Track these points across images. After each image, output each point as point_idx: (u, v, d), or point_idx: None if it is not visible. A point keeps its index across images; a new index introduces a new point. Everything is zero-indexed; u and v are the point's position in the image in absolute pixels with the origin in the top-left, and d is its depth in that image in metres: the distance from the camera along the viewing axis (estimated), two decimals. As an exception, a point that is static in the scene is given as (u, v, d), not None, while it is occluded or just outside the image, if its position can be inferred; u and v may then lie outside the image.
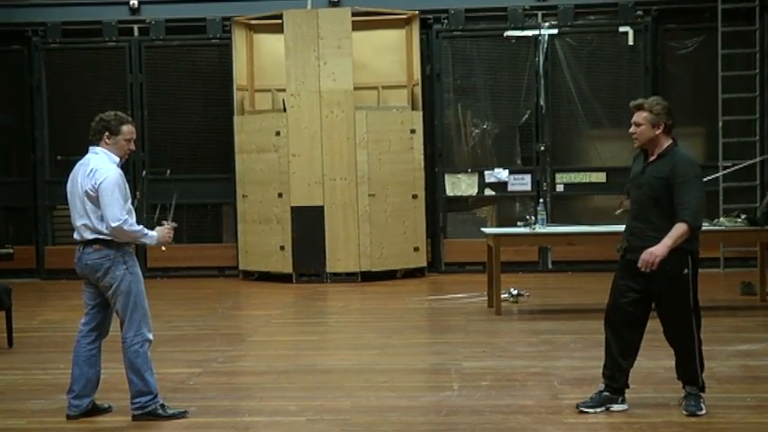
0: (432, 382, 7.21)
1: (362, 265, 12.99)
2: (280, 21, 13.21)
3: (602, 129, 14.02)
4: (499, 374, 7.31)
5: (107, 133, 6.26)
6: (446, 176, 14.02)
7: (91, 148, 6.32)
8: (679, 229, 5.77)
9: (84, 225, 6.16)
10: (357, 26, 13.26)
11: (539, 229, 10.25)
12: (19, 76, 14.56)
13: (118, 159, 6.28)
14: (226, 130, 13.86)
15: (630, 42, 13.70)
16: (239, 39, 13.89)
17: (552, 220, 12.30)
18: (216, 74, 14.26)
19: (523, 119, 13.94)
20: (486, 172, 13.94)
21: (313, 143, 12.94)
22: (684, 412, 6.05)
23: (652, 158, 6.01)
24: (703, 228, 10.11)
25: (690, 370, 6.09)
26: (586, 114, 13.85)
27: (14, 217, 14.34)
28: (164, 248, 6.54)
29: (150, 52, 14.35)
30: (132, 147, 6.40)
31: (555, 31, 13.81)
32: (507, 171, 13.91)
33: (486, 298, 10.72)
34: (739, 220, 10.21)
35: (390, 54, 14.06)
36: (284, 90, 13.22)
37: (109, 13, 14.33)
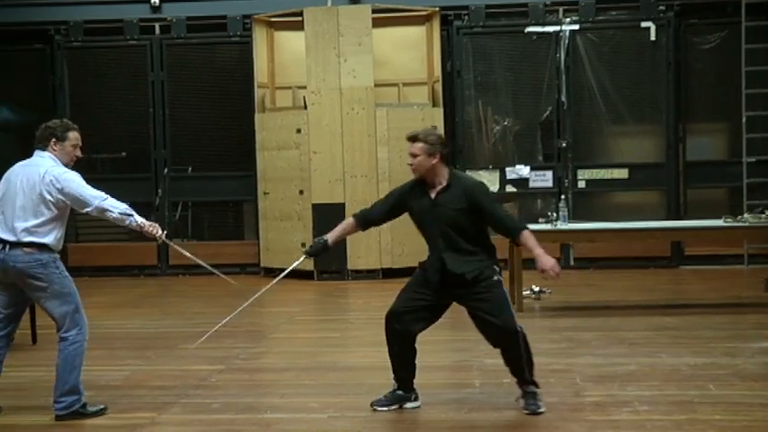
0: (453, 379, 7.20)
1: (383, 263, 12.98)
2: (300, 18, 13.22)
3: (624, 125, 13.96)
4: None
5: (53, 140, 6.27)
6: (467, 173, 13.97)
7: (37, 152, 6.29)
8: (529, 238, 6.09)
9: (25, 227, 6.07)
10: (377, 23, 13.25)
11: (560, 225, 10.22)
12: (41, 75, 14.65)
13: (62, 165, 6.26)
14: (247, 127, 13.88)
15: (653, 38, 13.63)
16: (260, 36, 13.91)
17: (574, 216, 12.26)
18: (237, 71, 14.28)
19: (545, 115, 13.89)
20: (507, 169, 13.91)
21: (334, 140, 12.94)
22: (525, 411, 6.08)
23: (438, 189, 6.09)
24: (728, 224, 10.12)
25: (517, 365, 6.13)
26: (608, 110, 13.78)
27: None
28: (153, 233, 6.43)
29: (171, 50, 14.39)
30: (78, 153, 6.40)
31: (576, 27, 13.76)
32: (528, 168, 13.87)
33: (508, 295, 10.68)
34: (763, 216, 10.13)
35: (411, 51, 14.04)
36: (305, 87, 13.23)
37: (130, 12, 14.38)
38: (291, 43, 13.94)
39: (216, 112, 14.35)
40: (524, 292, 10.44)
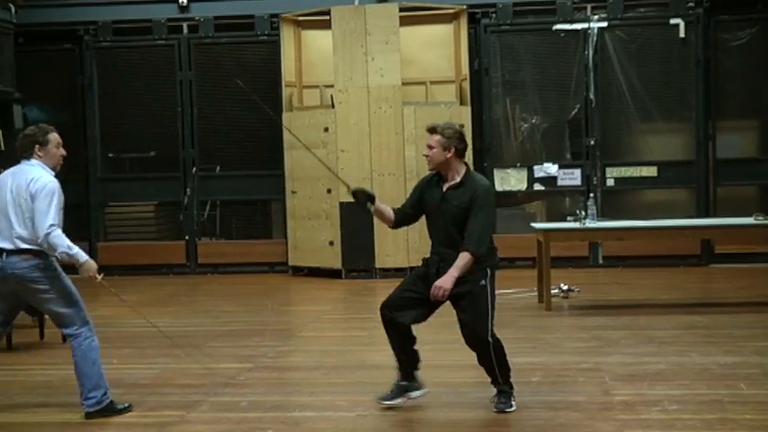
0: (481, 377, 7.15)
1: (411, 261, 12.96)
2: (327, 17, 13.24)
3: (653, 122, 13.88)
4: (549, 370, 7.27)
5: (37, 146, 6.31)
6: (495, 171, 13.95)
7: (24, 161, 6.32)
8: (463, 258, 5.93)
9: (19, 235, 6.11)
10: (405, 21, 13.25)
11: (589, 224, 10.18)
12: (71, 75, 14.76)
13: (53, 171, 6.31)
14: (274, 126, 13.90)
15: (682, 35, 13.53)
16: (287, 35, 13.94)
17: (602, 214, 12.22)
18: (264, 71, 14.31)
19: (573, 113, 13.83)
20: (535, 167, 13.86)
21: (361, 139, 12.95)
22: (494, 410, 6.11)
23: (450, 184, 6.12)
24: (758, 221, 10.04)
25: (489, 370, 6.15)
26: (637, 108, 13.71)
27: (67, 214, 14.29)
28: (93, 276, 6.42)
29: (199, 50, 14.45)
30: (62, 152, 6.43)
31: (604, 25, 13.69)
32: (557, 166, 13.82)
33: (535, 293, 10.67)
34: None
35: (438, 49, 14.02)
36: (332, 86, 13.24)
37: (158, 12, 14.45)
38: (319, 42, 13.96)
39: (243, 111, 14.38)
40: (552, 291, 10.41)
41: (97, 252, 14.40)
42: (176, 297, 12.22)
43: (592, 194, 12.96)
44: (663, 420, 5.86)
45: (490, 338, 6.05)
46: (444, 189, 6.12)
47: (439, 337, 8.70)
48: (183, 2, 14.34)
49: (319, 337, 9.32)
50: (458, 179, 6.10)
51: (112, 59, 14.65)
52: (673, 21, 13.57)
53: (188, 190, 14.37)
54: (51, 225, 6.07)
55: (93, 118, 14.58)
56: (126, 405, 6.38)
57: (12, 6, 14.23)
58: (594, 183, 13.72)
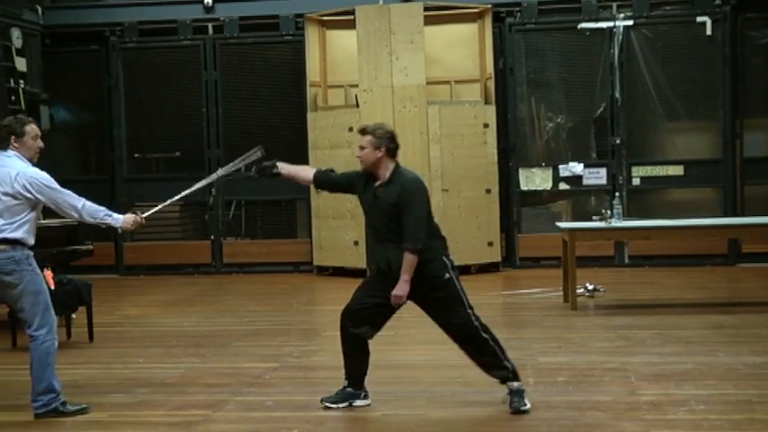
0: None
1: (436, 260, 12.94)
2: (352, 17, 13.24)
3: (680, 121, 13.80)
4: (575, 370, 7.24)
5: (13, 137, 6.28)
6: (520, 171, 13.93)
7: (0, 152, 6.29)
8: (407, 260, 5.98)
9: None
10: (429, 21, 13.23)
11: (614, 223, 10.13)
12: (97, 76, 14.84)
13: (29, 162, 6.31)
14: (299, 126, 13.94)
15: (708, 33, 13.45)
16: (312, 35, 13.95)
17: (628, 213, 12.17)
18: (289, 70, 14.35)
19: (598, 112, 13.78)
20: (560, 166, 13.82)
21: (386, 138, 12.93)
22: (510, 410, 6.04)
23: (380, 182, 6.20)
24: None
25: (494, 361, 6.12)
26: (663, 107, 13.64)
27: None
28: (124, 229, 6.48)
29: (224, 50, 14.50)
30: (40, 144, 6.42)
31: (630, 23, 13.63)
32: (582, 165, 13.77)
33: (561, 293, 10.63)
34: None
35: (463, 48, 14.01)
36: (357, 86, 13.25)
37: (184, 12, 14.52)
38: (343, 42, 13.97)
39: (268, 111, 14.43)
40: (578, 290, 10.37)
41: (123, 252, 14.49)
42: (202, 297, 12.26)
43: (617, 193, 12.92)
44: (690, 421, 5.82)
45: (476, 323, 6.08)
46: (375, 186, 6.22)
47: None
48: (208, 2, 14.40)
49: (344, 336, 9.30)
50: (386, 177, 6.19)
51: (138, 60, 14.73)
52: (699, 19, 13.49)
53: (213, 190, 14.41)
54: (79, 199, 6.19)
55: (119, 118, 14.65)
56: (82, 406, 6.35)
57: (39, 8, 14.34)
58: (620, 182, 13.66)
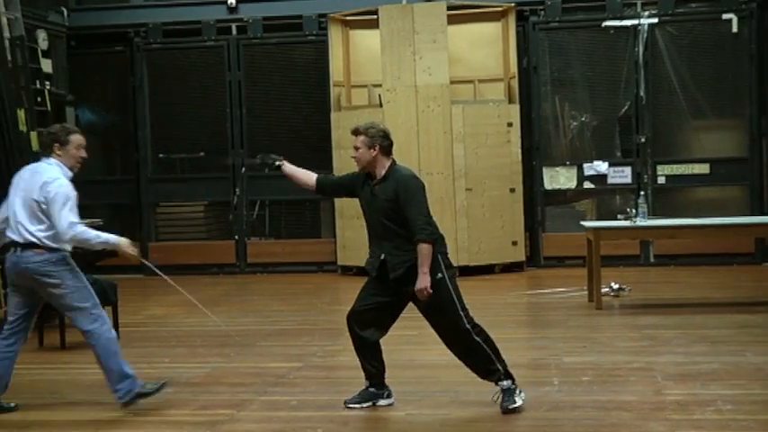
0: (532, 377, 7.14)
1: (460, 260, 12.92)
2: (375, 16, 13.24)
3: (705, 119, 13.72)
4: (600, 370, 7.21)
5: (57, 144, 6.35)
6: (544, 170, 13.89)
7: (44, 159, 6.39)
8: (422, 251, 5.94)
9: (30, 230, 6.19)
10: (452, 20, 13.22)
11: (640, 222, 10.09)
12: (122, 77, 14.91)
13: (70, 172, 6.36)
14: (323, 126, 13.95)
15: (734, 30, 13.37)
16: (335, 35, 13.96)
17: (653, 212, 12.10)
18: (312, 70, 14.37)
19: (623, 110, 13.72)
20: (584, 165, 13.76)
21: (409, 138, 12.93)
22: (500, 409, 6.02)
23: (377, 180, 6.21)
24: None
25: (487, 365, 6.08)
26: (688, 105, 13.56)
27: (119, 214, 14.65)
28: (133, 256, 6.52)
29: (248, 50, 14.54)
30: (83, 154, 6.45)
31: (655, 21, 13.56)
32: (607, 163, 13.71)
33: (586, 292, 10.60)
34: None
35: (486, 47, 13.98)
36: (380, 85, 13.24)
37: (208, 13, 14.57)
38: (367, 41, 13.97)
39: (292, 111, 14.45)
40: (603, 290, 10.33)
41: (148, 252, 14.53)
42: (226, 296, 12.29)
43: (642, 192, 12.83)
44: (716, 421, 5.78)
45: (468, 325, 6.05)
46: (372, 184, 6.24)
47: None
48: (231, 3, 14.43)
49: (368, 336, 9.31)
50: (383, 173, 6.21)
51: (162, 61, 14.79)
52: (725, 16, 13.41)
53: (237, 190, 14.44)
54: (71, 223, 6.14)
55: (143, 119, 14.71)
56: (162, 382, 6.44)
57: (64, 10, 14.43)
58: (645, 180, 13.59)
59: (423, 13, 13.00)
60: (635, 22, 13.58)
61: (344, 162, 13.49)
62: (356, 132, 6.33)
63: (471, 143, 12.96)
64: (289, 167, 6.72)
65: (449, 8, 13.12)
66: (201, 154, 14.63)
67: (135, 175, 14.79)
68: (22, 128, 12.20)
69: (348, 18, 14.05)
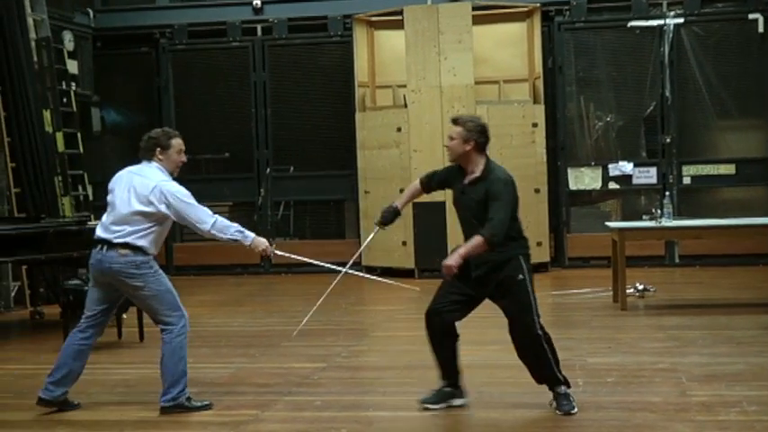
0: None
1: (485, 261, 12.91)
2: (400, 17, 13.25)
3: (731, 119, 13.65)
4: (625, 370, 7.18)
5: (158, 149, 6.41)
6: (569, 170, 13.86)
7: (144, 163, 6.44)
8: (475, 240, 5.86)
9: (122, 231, 6.23)
10: (477, 20, 13.21)
11: (665, 222, 10.04)
12: (147, 78, 15.00)
13: (170, 176, 6.43)
14: (348, 126, 13.98)
15: (761, 30, 13.29)
16: (360, 36, 13.98)
17: (679, 213, 12.06)
18: (337, 71, 14.40)
19: (648, 110, 13.67)
20: (609, 165, 13.72)
21: (434, 139, 12.92)
22: (558, 413, 5.94)
23: (470, 178, 6.06)
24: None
25: (547, 372, 6.01)
26: (714, 105, 13.50)
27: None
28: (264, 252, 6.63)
29: (273, 51, 14.58)
30: (183, 158, 6.54)
31: (681, 21, 13.50)
32: (632, 164, 13.67)
33: (611, 293, 10.56)
34: None
35: (511, 47, 13.96)
36: (405, 86, 13.25)
37: (233, 14, 14.63)
38: (392, 42, 13.99)
39: (317, 111, 14.49)
40: (628, 290, 10.29)
41: (173, 252, 14.61)
42: (251, 297, 12.33)
43: (668, 193, 12.80)
44: (742, 422, 5.75)
45: (540, 331, 5.98)
46: (465, 183, 6.11)
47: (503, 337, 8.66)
48: (257, 4, 14.49)
49: (392, 336, 9.33)
50: (477, 173, 6.05)
51: (188, 62, 14.86)
52: (751, 16, 13.35)
53: (262, 190, 14.49)
54: (212, 216, 6.34)
55: (168, 120, 14.78)
56: (206, 403, 6.45)
57: (90, 11, 14.53)
58: (671, 181, 13.54)
59: (448, 13, 13.00)
60: (660, 22, 13.53)
61: (369, 162, 13.53)
62: (455, 121, 6.17)
63: (496, 144, 12.79)
64: (400, 202, 6.73)
65: (474, 8, 13.11)
66: (226, 155, 14.69)
67: (160, 175, 14.83)
68: (48, 128, 12.31)
69: (373, 19, 14.07)
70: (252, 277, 14.27)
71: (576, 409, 6.00)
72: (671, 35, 13.51)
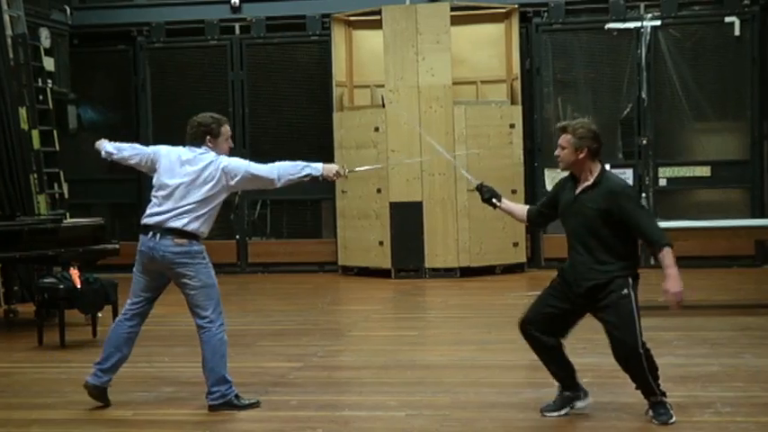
0: (532, 378, 7.13)
1: (461, 261, 12.95)
2: (378, 17, 13.26)
3: (707, 122, 13.73)
4: (600, 371, 7.19)
5: (209, 137, 6.35)
6: (546, 171, 13.89)
7: (189, 146, 6.38)
8: (668, 256, 5.67)
9: (178, 215, 6.18)
10: (456, 21, 13.23)
11: (641, 224, 10.05)
12: (124, 76, 14.93)
13: None
14: (325, 126, 13.96)
15: (737, 33, 13.37)
16: (338, 35, 13.97)
17: (655, 214, 12.09)
18: (315, 70, 14.38)
19: (625, 112, 13.73)
20: (586, 167, 13.73)
21: (412, 139, 12.92)
22: (655, 422, 5.78)
23: (584, 185, 5.80)
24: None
25: (641, 385, 5.87)
26: (690, 107, 13.57)
27: (120, 213, 14.65)
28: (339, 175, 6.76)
29: (251, 50, 14.55)
30: (231, 144, 6.53)
31: (658, 23, 13.56)
32: (608, 165, 13.55)
33: (586, 294, 10.57)
34: None
35: (489, 48, 13.98)
36: (383, 86, 13.25)
37: (211, 13, 14.58)
38: (370, 42, 13.98)
39: (295, 110, 14.46)
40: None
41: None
42: (227, 296, 12.16)
43: (644, 194, 12.85)
44: (715, 423, 5.78)
45: (641, 350, 5.77)
46: (578, 191, 5.82)
47: (489, 337, 8.68)
48: (235, 3, 14.45)
49: (369, 336, 9.33)
50: (591, 180, 5.77)
51: (165, 60, 14.81)
52: (728, 19, 13.42)
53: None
54: (271, 171, 6.45)
55: (145, 118, 14.73)
56: (253, 401, 6.41)
57: (67, 9, 14.45)
58: (647, 183, 13.60)
59: (426, 13, 13.01)
60: (638, 24, 13.58)
61: (346, 162, 13.49)
62: (563, 129, 5.88)
63: (473, 144, 12.96)
64: (506, 205, 6.40)
65: (452, 9, 13.13)
66: (203, 153, 14.62)
67: (136, 173, 14.69)
68: (24, 126, 12.23)
69: (351, 18, 14.06)
70: (228, 276, 14.17)
71: (673, 419, 5.76)
72: (648, 37, 13.57)
